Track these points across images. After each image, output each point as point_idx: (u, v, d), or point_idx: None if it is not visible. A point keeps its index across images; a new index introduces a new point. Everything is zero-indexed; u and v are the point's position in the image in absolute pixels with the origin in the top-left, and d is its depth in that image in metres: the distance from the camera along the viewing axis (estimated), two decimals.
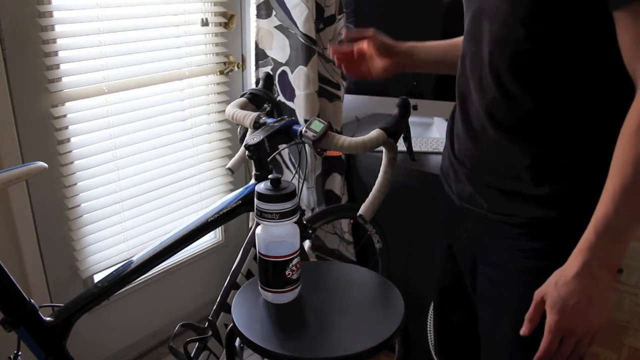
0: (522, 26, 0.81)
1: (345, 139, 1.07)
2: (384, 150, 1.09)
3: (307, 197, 1.91)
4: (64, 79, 1.47)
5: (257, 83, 1.75)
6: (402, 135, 1.11)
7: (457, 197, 1.00)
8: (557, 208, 0.87)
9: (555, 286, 0.78)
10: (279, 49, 1.79)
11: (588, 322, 0.78)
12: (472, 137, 0.94)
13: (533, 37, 0.81)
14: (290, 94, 1.80)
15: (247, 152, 1.14)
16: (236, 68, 1.93)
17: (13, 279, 0.98)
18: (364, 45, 1.13)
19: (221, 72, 1.87)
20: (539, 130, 0.85)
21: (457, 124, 1.00)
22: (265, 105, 1.33)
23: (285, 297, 0.95)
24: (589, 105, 0.83)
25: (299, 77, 1.75)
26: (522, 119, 0.86)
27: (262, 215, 0.90)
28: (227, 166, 1.32)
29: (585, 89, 0.82)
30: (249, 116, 1.22)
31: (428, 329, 1.59)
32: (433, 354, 1.27)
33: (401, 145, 1.12)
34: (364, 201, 1.09)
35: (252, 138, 1.13)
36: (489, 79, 0.88)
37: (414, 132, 1.21)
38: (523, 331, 0.82)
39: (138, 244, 1.74)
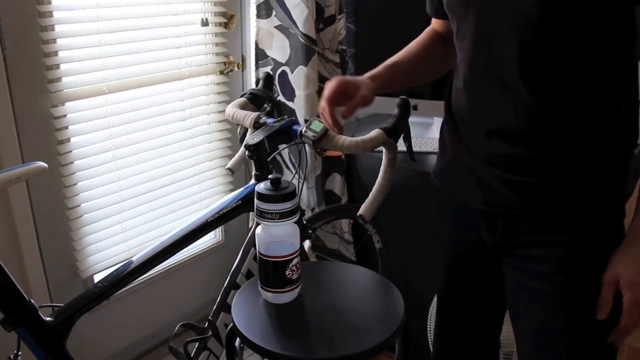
0: (544, 24, 0.81)
1: (345, 139, 1.07)
2: (384, 150, 1.09)
3: (307, 197, 1.91)
4: (64, 79, 1.47)
5: (257, 83, 1.75)
6: (402, 135, 1.11)
7: (483, 204, 0.96)
8: (601, 200, 0.89)
9: (625, 267, 0.85)
10: (279, 49, 1.79)
11: None
12: (506, 137, 0.90)
13: (555, 34, 0.81)
14: (290, 94, 1.80)
15: (247, 152, 1.14)
16: (236, 68, 1.93)
17: (13, 279, 0.98)
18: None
19: (221, 72, 1.87)
20: (576, 124, 0.85)
21: (473, 126, 0.96)
22: (265, 105, 1.33)
23: (285, 297, 0.95)
24: (618, 97, 0.85)
25: (299, 77, 1.75)
26: (556, 114, 0.85)
27: (262, 215, 0.90)
28: (227, 166, 1.32)
29: (614, 80, 0.84)
30: (249, 116, 1.22)
31: (428, 329, 1.59)
32: (433, 354, 1.27)
33: (401, 145, 1.12)
34: (364, 201, 1.09)
35: (252, 138, 1.13)
36: (515, 80, 0.85)
37: (414, 132, 1.20)
38: (600, 316, 0.87)
39: (138, 244, 1.74)
